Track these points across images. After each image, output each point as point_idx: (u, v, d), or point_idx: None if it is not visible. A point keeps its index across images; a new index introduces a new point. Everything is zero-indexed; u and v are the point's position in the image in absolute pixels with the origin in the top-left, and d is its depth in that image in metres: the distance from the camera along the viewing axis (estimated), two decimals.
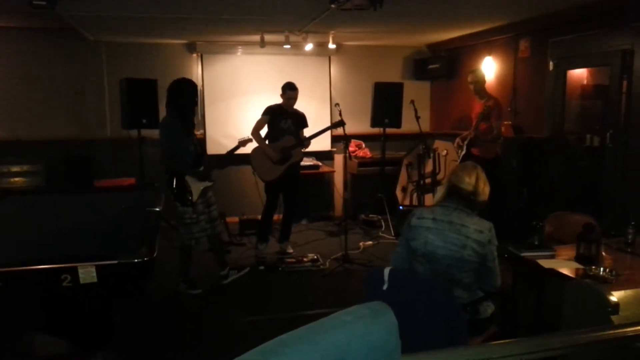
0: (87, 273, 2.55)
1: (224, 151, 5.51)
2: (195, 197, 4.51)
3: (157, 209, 3.72)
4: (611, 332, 1.85)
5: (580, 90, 5.80)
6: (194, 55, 7.24)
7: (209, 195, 4.72)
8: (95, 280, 2.56)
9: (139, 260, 2.70)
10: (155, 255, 2.83)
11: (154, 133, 6.61)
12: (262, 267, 5.47)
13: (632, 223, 3.24)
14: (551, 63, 5.57)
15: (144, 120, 6.24)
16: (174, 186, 4.47)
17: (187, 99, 4.48)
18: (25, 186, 5.99)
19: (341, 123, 5.51)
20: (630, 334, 1.83)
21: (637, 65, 4.59)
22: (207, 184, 4.64)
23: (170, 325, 4.16)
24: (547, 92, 5.64)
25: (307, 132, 5.68)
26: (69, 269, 2.54)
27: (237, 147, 5.23)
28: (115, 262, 2.64)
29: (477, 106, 5.86)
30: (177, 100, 4.47)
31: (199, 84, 7.04)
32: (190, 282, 4.79)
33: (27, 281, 2.58)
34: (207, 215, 4.69)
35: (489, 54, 6.60)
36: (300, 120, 5.65)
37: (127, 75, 6.39)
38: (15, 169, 6.37)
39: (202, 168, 4.62)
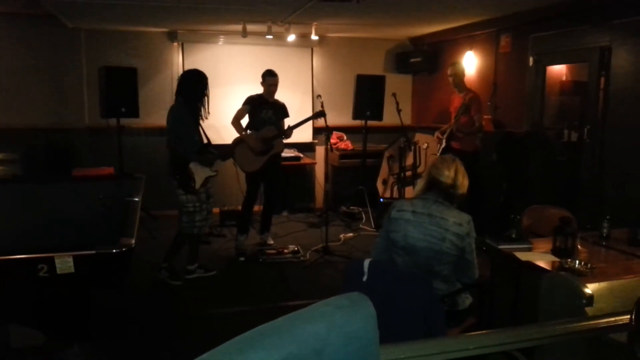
0: (64, 263, 2.51)
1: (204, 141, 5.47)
2: (198, 184, 4.51)
3: (136, 199, 3.68)
4: (585, 323, 1.89)
5: (560, 86, 5.88)
6: (175, 44, 7.15)
7: (210, 186, 4.72)
8: (72, 270, 2.52)
9: (117, 250, 2.68)
10: (134, 245, 2.81)
11: (134, 122, 6.58)
12: (242, 259, 5.46)
13: (608, 217, 3.30)
14: (531, 58, 5.63)
15: (123, 109, 6.17)
16: (178, 172, 4.48)
17: (195, 89, 4.53)
18: (2, 175, 5.87)
19: (322, 114, 5.51)
20: (604, 325, 1.86)
21: (614, 62, 4.67)
22: (211, 172, 4.64)
23: (149, 317, 4.13)
24: (527, 88, 5.71)
25: (289, 122, 5.66)
26: (45, 258, 2.50)
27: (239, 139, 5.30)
28: (93, 252, 2.60)
29: (457, 100, 5.91)
30: (186, 89, 4.54)
31: (179, 72, 6.96)
32: (173, 271, 4.76)
33: (3, 271, 2.53)
34: (207, 205, 4.69)
35: (470, 48, 6.65)
36: (281, 111, 5.63)
37: (107, 63, 6.30)
38: None
39: (206, 156, 4.62)
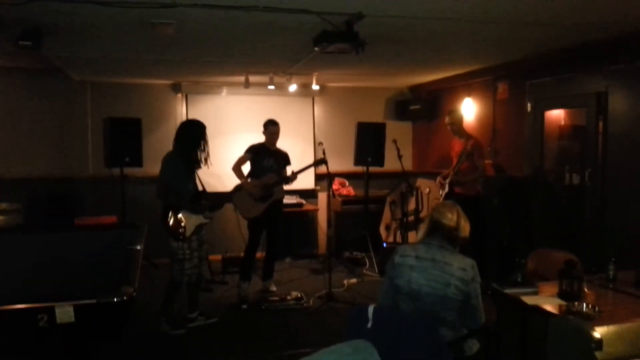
0: (65, 313, 2.48)
1: (207, 189, 5.50)
2: (189, 232, 4.49)
3: (138, 248, 3.67)
4: None
5: (558, 130, 5.94)
6: (179, 95, 7.30)
7: (202, 233, 4.70)
8: (72, 320, 2.49)
9: (119, 299, 2.65)
10: (135, 294, 2.78)
11: (137, 171, 6.63)
12: (245, 306, 5.38)
13: (613, 259, 3.27)
14: (529, 104, 5.72)
15: (127, 159, 6.23)
16: (168, 220, 4.46)
17: (191, 138, 4.57)
18: (4, 225, 5.87)
19: (323, 161, 5.56)
20: None
21: (611, 107, 4.74)
22: (202, 220, 4.62)
23: None
24: (526, 133, 5.77)
25: (291, 170, 5.70)
26: (46, 308, 2.48)
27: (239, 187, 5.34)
28: (94, 301, 2.58)
29: (457, 145, 5.96)
30: (184, 139, 4.58)
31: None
32: (173, 321, 4.68)
33: (2, 321, 2.50)
34: (198, 252, 4.66)
35: (469, 95, 6.77)
36: (283, 159, 5.69)
37: (112, 114, 6.41)
38: None
39: (199, 204, 4.61)
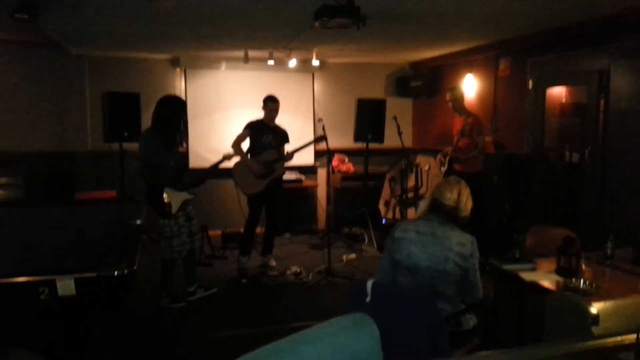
0: (66, 286, 2.50)
1: (207, 165, 5.49)
2: (174, 209, 4.46)
3: (138, 222, 3.69)
4: (591, 343, 1.87)
5: (559, 108, 5.91)
6: (178, 69, 7.24)
7: (189, 209, 4.68)
8: (73, 293, 2.52)
9: (119, 273, 2.67)
10: (135, 268, 2.80)
11: (136, 146, 6.58)
12: (244, 281, 5.42)
13: (611, 237, 3.29)
14: (530, 82, 5.68)
15: (126, 134, 6.19)
16: (153, 198, 4.43)
17: (170, 115, 4.47)
18: (4, 199, 5.88)
19: (322, 138, 5.54)
20: (610, 344, 1.85)
21: (613, 85, 4.71)
22: (187, 196, 4.59)
23: (150, 340, 4.09)
24: (527, 110, 5.74)
25: (289, 148, 5.69)
26: (47, 281, 2.50)
27: (220, 161, 5.20)
28: (95, 274, 2.60)
29: (458, 123, 5.94)
30: (162, 116, 4.47)
31: (182, 98, 7.02)
32: (173, 295, 4.72)
33: (4, 294, 2.52)
34: (187, 228, 4.65)
35: (470, 72, 6.71)
36: (282, 136, 5.67)
37: (110, 88, 6.35)
38: None
39: (182, 181, 4.57)
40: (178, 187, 4.51)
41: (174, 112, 4.49)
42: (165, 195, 4.42)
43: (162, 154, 4.45)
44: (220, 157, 5.20)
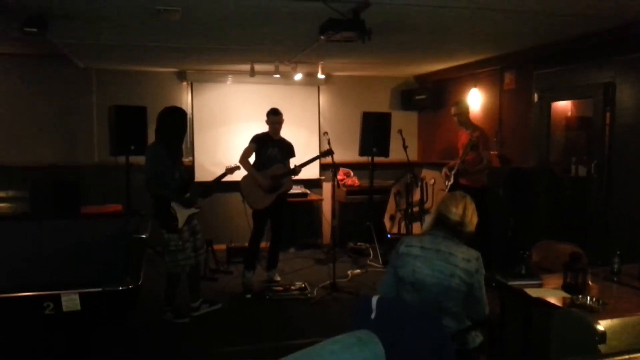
0: (71, 301, 2.50)
1: (212, 178, 5.50)
2: (181, 223, 4.47)
3: (143, 236, 3.69)
4: None
5: (565, 121, 5.91)
6: (184, 83, 7.29)
7: (194, 223, 4.69)
8: (78, 308, 2.51)
9: (124, 288, 2.67)
10: (140, 283, 2.80)
11: (142, 160, 6.62)
12: (249, 296, 5.40)
13: (618, 252, 3.26)
14: (536, 95, 5.68)
15: (132, 147, 6.23)
16: (160, 212, 4.44)
17: (174, 126, 4.49)
18: (10, 212, 5.91)
19: (329, 152, 5.55)
20: None
21: (619, 98, 4.70)
22: (193, 210, 4.60)
23: (152, 355, 4.07)
24: (533, 123, 5.74)
25: (294, 161, 5.69)
26: (52, 296, 2.50)
27: (224, 175, 5.22)
28: (100, 289, 2.60)
29: (464, 136, 5.93)
30: (164, 127, 4.49)
31: (189, 111, 7.07)
32: (177, 310, 4.71)
33: (9, 309, 2.52)
34: (192, 243, 4.64)
35: (475, 85, 6.72)
36: (288, 149, 5.68)
37: (117, 102, 6.40)
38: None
39: (187, 195, 4.58)
40: (184, 200, 4.52)
41: (174, 121, 4.49)
42: (173, 208, 4.43)
43: (168, 165, 4.47)
44: (224, 170, 5.22)
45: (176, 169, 4.55)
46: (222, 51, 5.73)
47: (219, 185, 5.29)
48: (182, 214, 4.48)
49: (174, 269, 4.59)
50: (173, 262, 4.55)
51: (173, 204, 4.44)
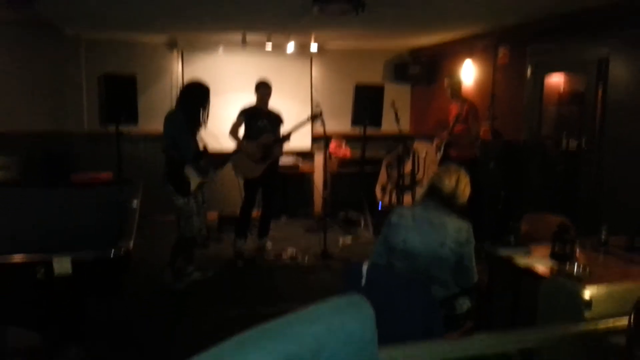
0: (62, 265, 2.50)
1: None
2: (193, 187, 4.55)
3: (134, 204, 3.68)
4: (584, 326, 1.89)
5: (557, 96, 5.90)
6: (175, 52, 7.19)
7: (204, 191, 4.76)
8: (69, 272, 2.52)
9: (115, 254, 2.67)
10: (131, 250, 2.80)
11: (132, 129, 6.59)
12: (240, 263, 5.44)
13: (605, 223, 3.30)
14: (529, 69, 5.66)
15: (123, 116, 6.17)
16: (173, 176, 4.52)
17: (193, 100, 4.62)
18: (0, 179, 5.86)
19: (318, 116, 5.52)
20: (602, 328, 1.87)
21: (612, 74, 4.70)
22: (205, 179, 4.69)
23: (147, 321, 4.11)
24: (525, 98, 5.73)
25: (285, 130, 5.67)
26: (43, 261, 2.50)
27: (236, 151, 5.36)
28: (91, 255, 2.60)
29: (454, 109, 5.94)
30: (185, 99, 4.64)
31: (179, 81, 7.00)
32: (177, 272, 4.77)
33: (0, 273, 2.53)
34: (202, 208, 4.74)
35: (469, 59, 6.68)
36: (276, 119, 5.65)
37: (107, 71, 6.31)
38: None
39: (201, 162, 4.66)
40: (197, 166, 4.61)
41: (200, 97, 4.63)
42: (186, 173, 4.52)
43: (185, 133, 4.57)
44: (218, 140, 5.23)
45: (192, 139, 4.64)
46: (213, 19, 5.62)
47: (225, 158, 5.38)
48: (194, 179, 4.57)
49: (188, 233, 4.66)
50: (188, 226, 4.63)
51: (186, 169, 4.53)
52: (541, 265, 2.90)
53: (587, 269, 2.71)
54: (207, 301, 4.52)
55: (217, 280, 4.96)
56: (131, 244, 2.87)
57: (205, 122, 4.68)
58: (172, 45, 7.13)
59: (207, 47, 7.19)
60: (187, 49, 7.16)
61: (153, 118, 6.75)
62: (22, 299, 2.66)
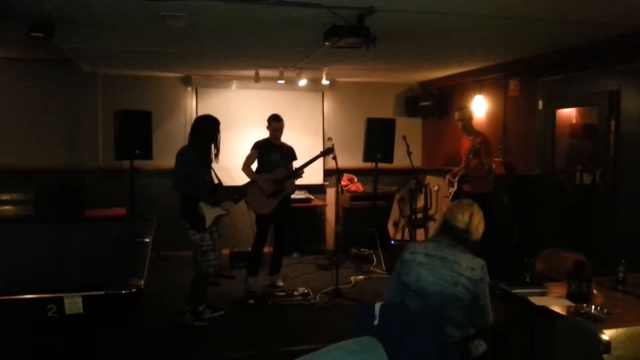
0: (73, 303, 2.50)
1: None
2: (208, 222, 4.54)
3: (147, 240, 3.69)
4: None
5: (570, 129, 5.89)
6: (189, 88, 7.31)
7: (220, 226, 4.75)
8: (81, 311, 2.51)
9: (127, 291, 2.67)
10: (143, 286, 2.79)
11: (147, 164, 6.67)
12: (251, 301, 5.39)
13: (623, 261, 3.24)
14: (540, 102, 5.67)
15: (137, 151, 6.26)
16: (188, 211, 4.54)
17: (204, 133, 4.67)
18: (15, 215, 5.93)
19: (330, 150, 5.53)
20: None
21: (624, 106, 4.69)
22: (221, 212, 4.68)
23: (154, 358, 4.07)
24: (537, 131, 5.72)
25: (297, 165, 5.69)
26: (54, 299, 2.50)
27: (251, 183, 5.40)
28: (103, 292, 2.60)
29: (466, 143, 5.93)
30: (197, 133, 4.68)
31: (193, 116, 7.09)
32: (197, 313, 4.72)
33: (12, 311, 2.53)
34: (219, 244, 4.73)
35: (480, 92, 6.71)
36: (289, 154, 5.69)
37: (122, 106, 6.43)
38: (4, 197, 6.31)
39: (216, 197, 4.67)
40: (212, 200, 4.61)
41: (211, 130, 4.68)
42: (201, 207, 4.53)
43: (197, 168, 4.60)
44: (230, 175, 5.26)
45: (205, 173, 4.68)
46: (226, 57, 5.75)
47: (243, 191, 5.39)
48: (209, 214, 4.56)
49: (205, 269, 4.64)
50: (204, 262, 4.61)
51: (201, 204, 4.53)
52: (557, 305, 2.84)
53: (605, 310, 2.65)
54: (217, 340, 4.46)
55: (227, 319, 4.91)
56: (142, 281, 2.86)
57: (216, 155, 4.72)
58: (186, 81, 7.27)
59: (221, 83, 7.31)
60: (201, 84, 7.28)
61: (167, 153, 6.82)
62: (33, 336, 2.65)
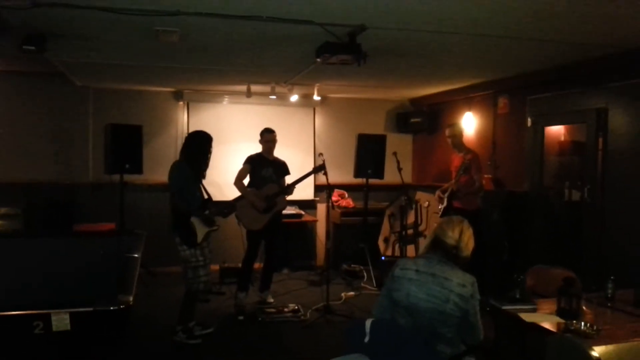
0: (60, 320, 2.47)
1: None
2: (199, 238, 4.51)
3: (136, 255, 3.67)
4: None
5: (558, 146, 5.95)
6: (181, 103, 7.31)
7: (210, 241, 4.72)
8: (68, 328, 2.48)
9: (115, 307, 2.65)
10: (132, 303, 2.77)
11: (137, 178, 6.63)
12: (241, 317, 5.34)
13: (612, 277, 3.27)
14: (529, 120, 5.74)
15: (128, 165, 6.24)
16: (179, 227, 4.51)
17: (198, 149, 4.67)
18: (3, 229, 5.86)
19: (322, 167, 5.54)
20: None
21: (612, 123, 4.76)
22: (212, 227, 4.66)
23: None
24: (526, 147, 5.78)
25: (290, 180, 5.69)
26: (41, 315, 2.47)
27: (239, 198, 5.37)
28: (91, 309, 2.57)
29: (456, 159, 5.97)
30: (189, 149, 4.68)
31: (184, 131, 7.09)
32: (189, 330, 4.65)
33: None
34: (209, 260, 4.69)
35: (469, 109, 6.78)
36: (282, 169, 5.70)
37: (113, 120, 6.41)
38: None
39: (207, 212, 4.65)
40: (203, 216, 4.59)
41: (200, 146, 4.68)
42: (192, 223, 4.50)
43: (190, 183, 4.60)
44: (221, 190, 5.24)
45: (197, 188, 4.66)
46: (218, 72, 5.77)
47: (233, 207, 5.34)
48: (201, 230, 4.54)
49: (195, 286, 4.60)
50: (195, 278, 4.57)
51: (193, 219, 4.51)
52: (547, 322, 2.85)
53: (595, 326, 2.66)
54: (207, 358, 4.41)
55: (216, 335, 4.85)
56: (131, 297, 2.84)
57: (204, 171, 4.70)
58: (178, 96, 7.27)
59: (213, 98, 7.33)
60: (193, 99, 7.29)
61: (157, 168, 6.83)
62: (20, 353, 2.61)
